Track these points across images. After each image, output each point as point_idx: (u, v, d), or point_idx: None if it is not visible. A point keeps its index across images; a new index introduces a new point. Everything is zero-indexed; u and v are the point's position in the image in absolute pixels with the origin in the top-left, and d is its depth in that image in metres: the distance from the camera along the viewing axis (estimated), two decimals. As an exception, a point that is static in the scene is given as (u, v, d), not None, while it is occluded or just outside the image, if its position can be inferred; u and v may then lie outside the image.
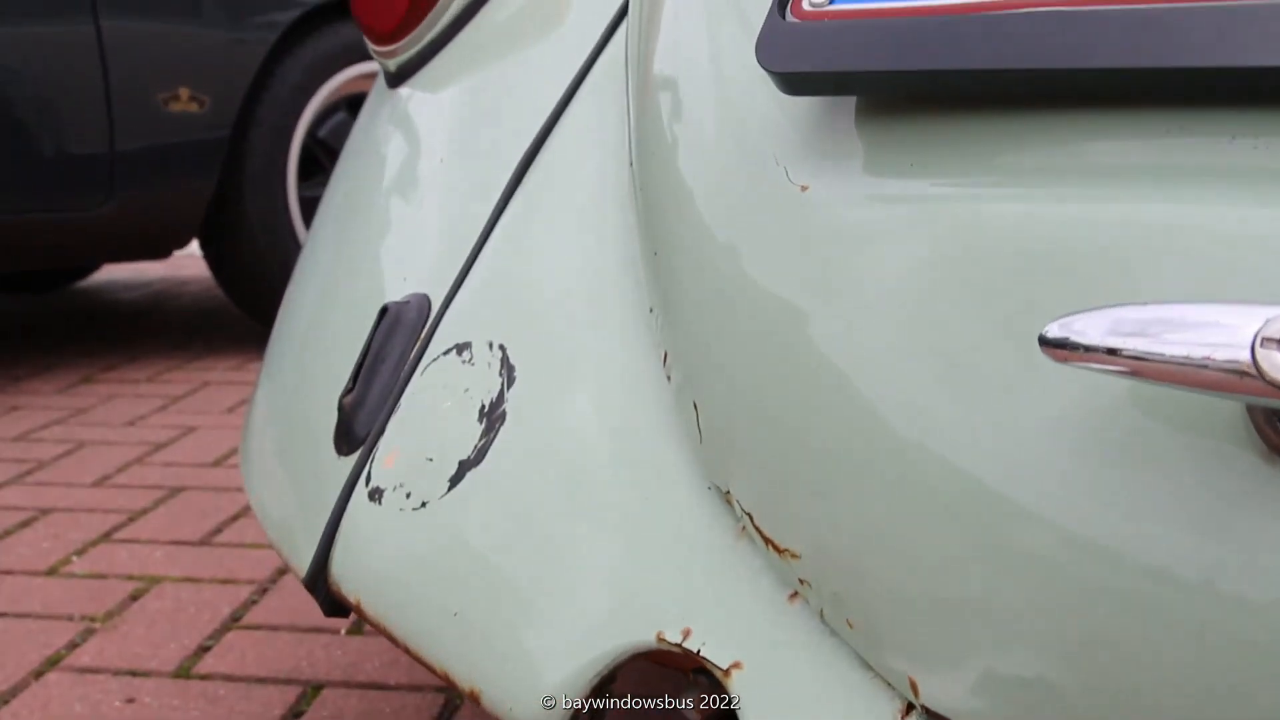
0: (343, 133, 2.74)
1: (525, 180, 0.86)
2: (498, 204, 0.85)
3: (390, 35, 1.04)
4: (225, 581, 1.55)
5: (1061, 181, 0.49)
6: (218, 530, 1.72)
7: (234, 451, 2.07)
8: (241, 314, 2.98)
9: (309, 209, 2.71)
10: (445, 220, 0.89)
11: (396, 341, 0.80)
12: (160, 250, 2.63)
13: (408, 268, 0.86)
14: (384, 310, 0.82)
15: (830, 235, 0.55)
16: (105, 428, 2.26)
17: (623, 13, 0.88)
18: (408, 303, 0.82)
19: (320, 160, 2.75)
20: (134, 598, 1.51)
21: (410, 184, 0.94)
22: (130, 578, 1.56)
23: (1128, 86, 0.47)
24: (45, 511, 1.82)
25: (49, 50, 2.32)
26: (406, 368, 0.79)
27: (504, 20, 1.01)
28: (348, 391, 0.81)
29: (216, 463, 2.04)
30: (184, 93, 2.45)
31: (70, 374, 2.68)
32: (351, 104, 2.78)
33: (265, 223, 2.63)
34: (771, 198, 0.58)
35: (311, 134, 2.73)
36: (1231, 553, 0.42)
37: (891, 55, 0.52)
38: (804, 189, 0.56)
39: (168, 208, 2.52)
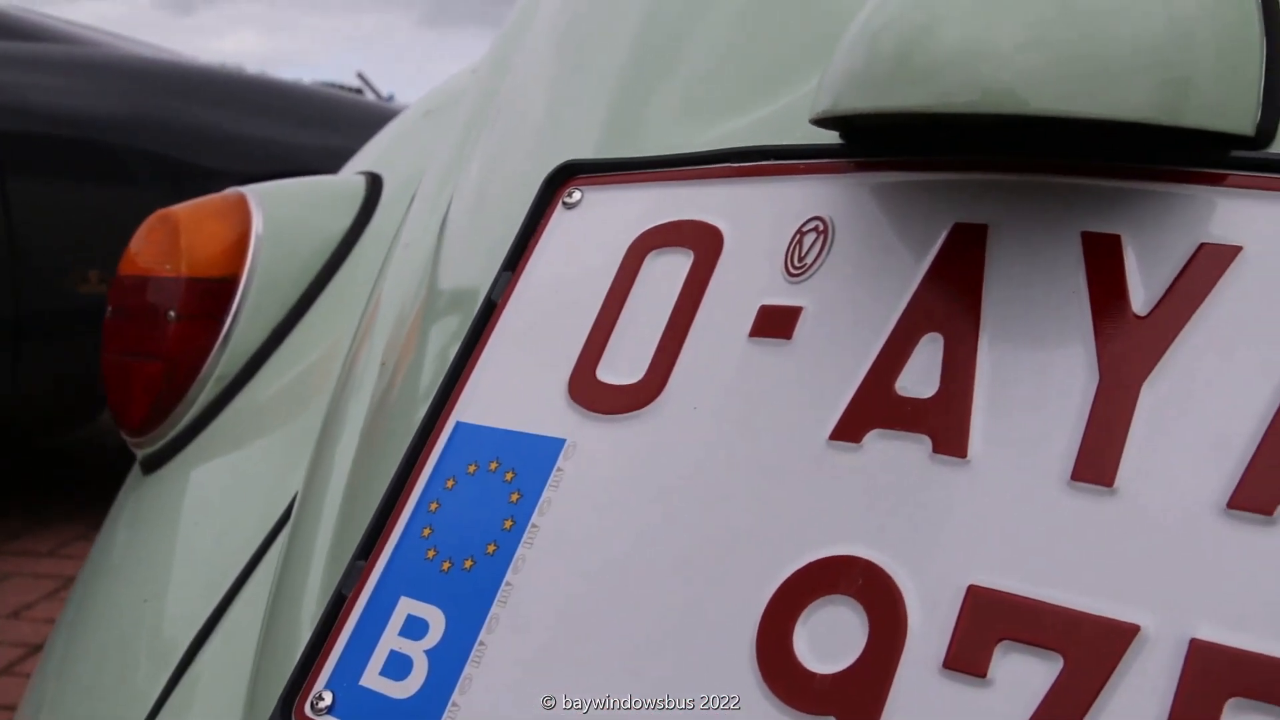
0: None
1: (213, 635, 0.86)
2: (184, 656, 0.85)
3: (138, 429, 1.05)
4: None
5: None
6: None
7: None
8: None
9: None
10: (145, 659, 0.89)
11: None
12: (67, 429, 2.65)
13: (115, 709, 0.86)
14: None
15: None
16: (-12, 620, 2.26)
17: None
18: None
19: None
20: None
21: (127, 611, 0.94)
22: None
23: None
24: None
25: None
26: None
27: (244, 420, 1.02)
28: None
29: (82, 677, 2.03)
30: (94, 275, 2.48)
31: (-25, 540, 2.69)
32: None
33: (177, 396, 2.65)
34: None
35: (229, 307, 2.75)
36: None
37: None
38: None
39: (74, 387, 2.54)
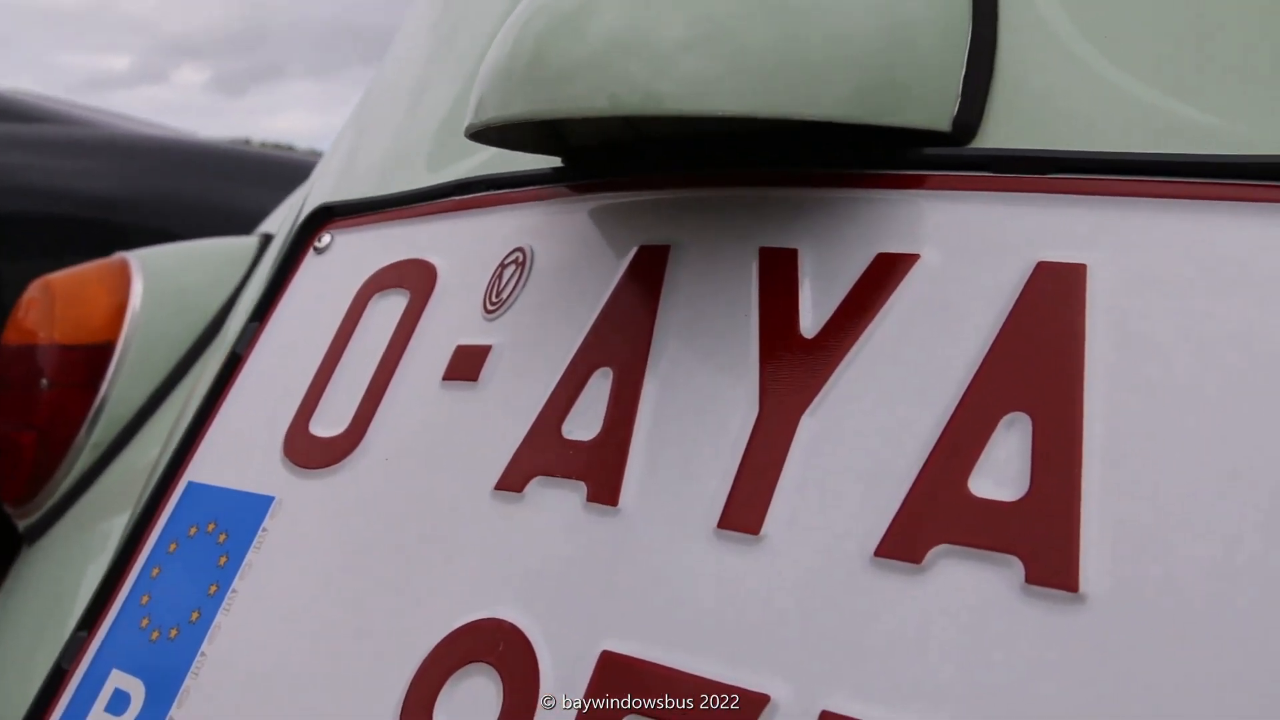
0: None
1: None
2: None
3: (16, 500, 1.02)
4: None
5: None
6: None
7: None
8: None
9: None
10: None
11: None
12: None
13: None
14: None
15: None
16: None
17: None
18: None
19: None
20: None
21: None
22: None
23: None
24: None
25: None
26: None
27: (120, 487, 0.99)
28: None
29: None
30: (94, 350, 2.49)
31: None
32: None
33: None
34: None
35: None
36: None
37: None
38: None
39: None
